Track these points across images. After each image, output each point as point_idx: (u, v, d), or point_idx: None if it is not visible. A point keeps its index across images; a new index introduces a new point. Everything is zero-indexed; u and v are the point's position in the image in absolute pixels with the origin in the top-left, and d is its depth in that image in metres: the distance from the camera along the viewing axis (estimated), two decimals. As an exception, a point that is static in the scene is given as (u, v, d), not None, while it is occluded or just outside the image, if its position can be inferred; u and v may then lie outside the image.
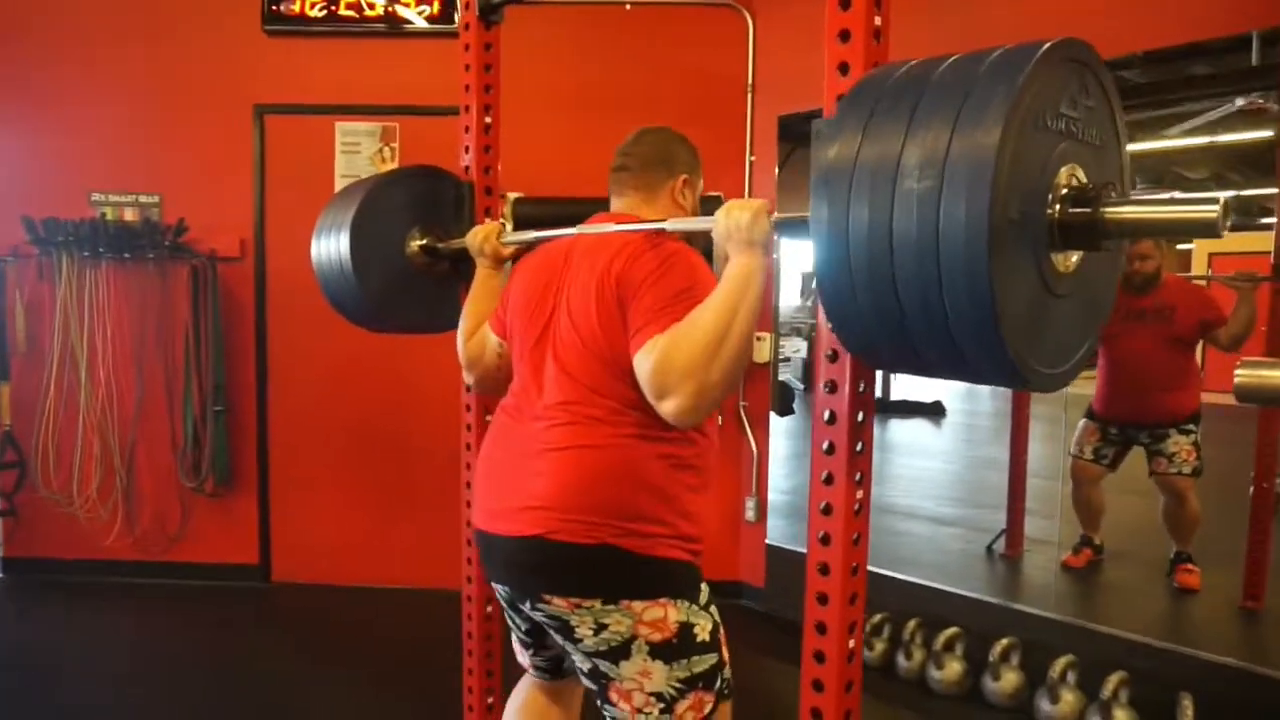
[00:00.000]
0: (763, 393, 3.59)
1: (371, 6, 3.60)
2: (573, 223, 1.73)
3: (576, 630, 1.53)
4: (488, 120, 2.17)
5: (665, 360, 1.39)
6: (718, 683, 1.58)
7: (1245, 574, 3.34)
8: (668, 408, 1.41)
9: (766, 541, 3.60)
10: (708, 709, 1.56)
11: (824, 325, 1.40)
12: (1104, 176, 1.13)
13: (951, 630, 2.90)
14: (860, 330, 1.16)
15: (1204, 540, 3.56)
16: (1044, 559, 3.94)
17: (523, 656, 1.83)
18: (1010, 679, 2.74)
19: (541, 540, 1.50)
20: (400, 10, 3.61)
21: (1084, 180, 1.10)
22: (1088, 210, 1.07)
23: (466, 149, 2.18)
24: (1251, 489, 4.07)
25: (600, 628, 1.51)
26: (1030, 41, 1.04)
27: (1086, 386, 3.82)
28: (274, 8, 3.60)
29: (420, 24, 3.63)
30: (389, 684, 3.01)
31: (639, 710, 1.54)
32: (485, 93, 2.16)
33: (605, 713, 1.61)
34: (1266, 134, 3.39)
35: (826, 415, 1.41)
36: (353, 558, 3.80)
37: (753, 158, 3.54)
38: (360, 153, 3.65)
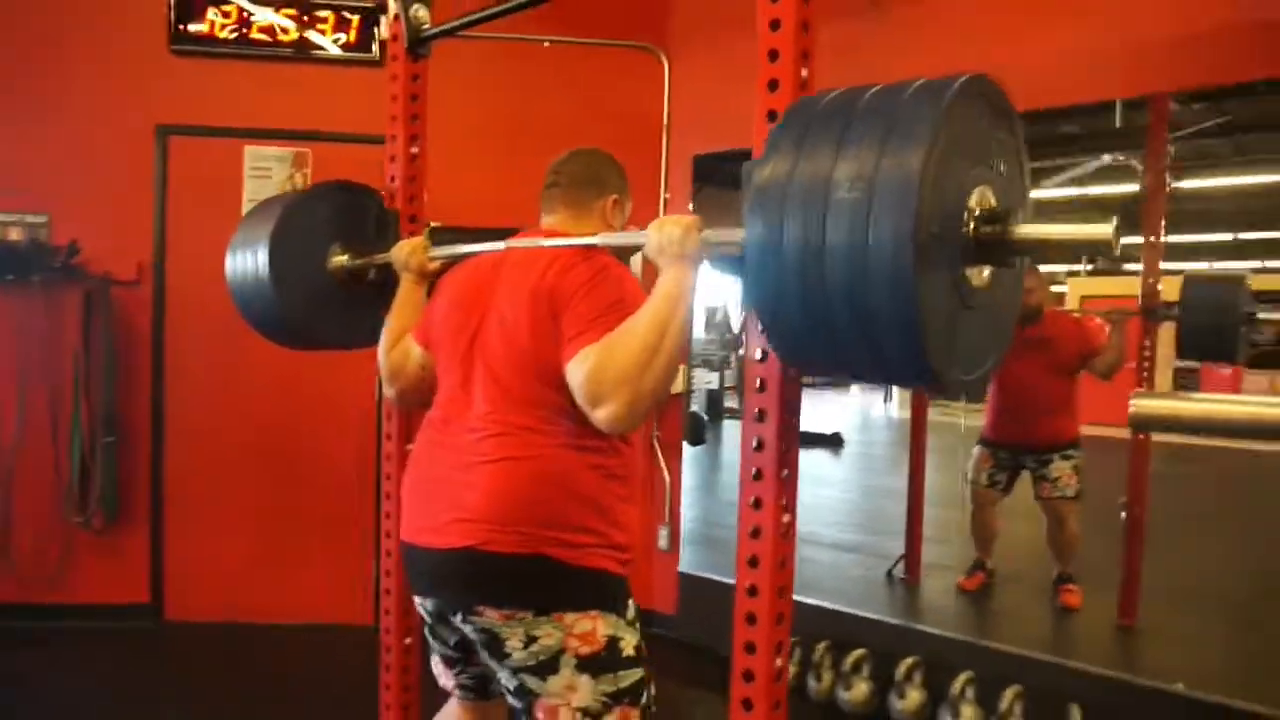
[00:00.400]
0: (675, 422, 3.66)
1: (285, 31, 3.55)
2: (490, 252, 1.78)
3: (506, 643, 1.53)
4: (414, 150, 2.18)
5: (599, 368, 1.43)
6: (643, 699, 1.59)
7: (1120, 594, 3.59)
8: (601, 414, 1.44)
9: (679, 569, 3.65)
10: None
11: (753, 355, 1.47)
12: (1010, 203, 1.23)
13: (858, 652, 3.00)
14: (792, 339, 1.22)
15: (1080, 561, 3.80)
16: (940, 583, 4.13)
17: (446, 678, 1.80)
18: (914, 697, 2.86)
19: (474, 551, 1.50)
20: (314, 37, 3.57)
21: (994, 202, 1.19)
22: (999, 228, 1.16)
23: (393, 178, 2.18)
24: (1123, 514, 4.39)
25: (530, 640, 1.52)
26: (950, 75, 1.14)
27: (977, 420, 4.05)
28: (181, 27, 3.51)
29: (335, 51, 3.60)
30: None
31: None
32: (412, 123, 2.18)
33: None
34: (1130, 188, 3.72)
35: (755, 442, 1.47)
36: (253, 593, 3.64)
37: (667, 195, 3.64)
38: (270, 178, 3.58)
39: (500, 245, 1.71)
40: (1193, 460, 3.70)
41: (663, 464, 3.66)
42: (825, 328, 1.14)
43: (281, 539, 3.66)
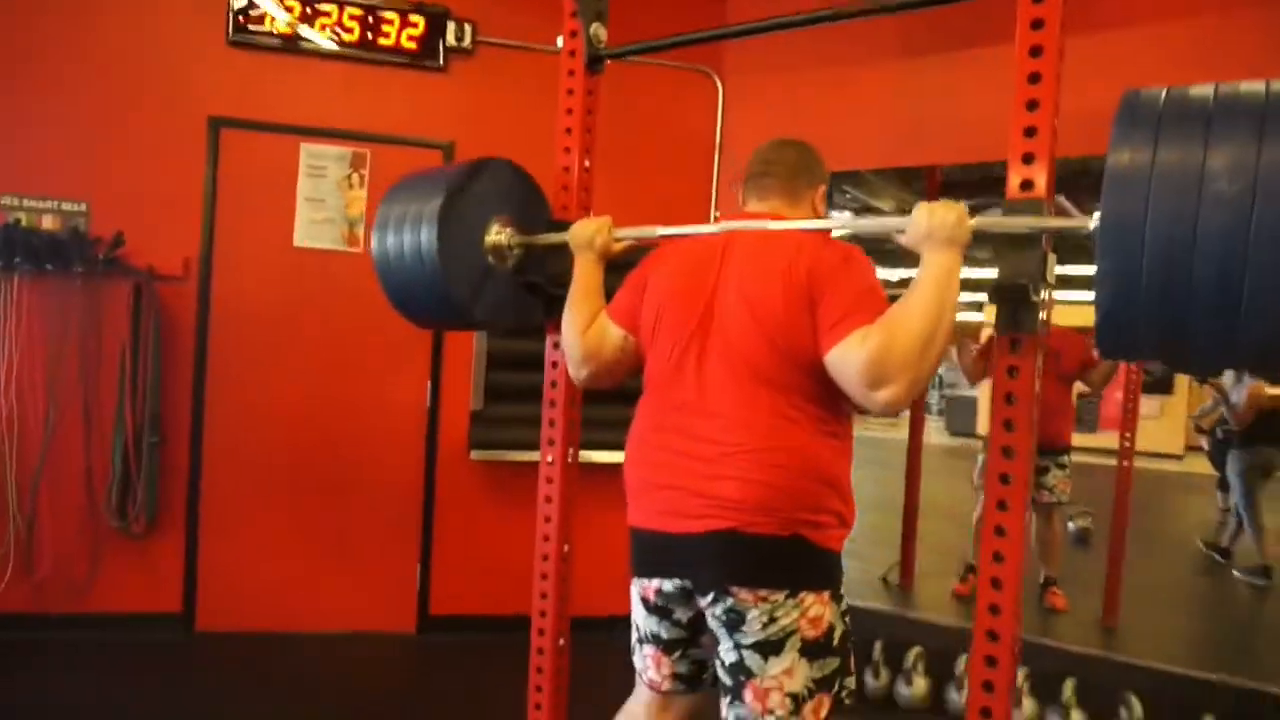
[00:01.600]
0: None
1: (349, 30, 3.50)
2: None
3: (748, 624, 1.55)
4: (587, 164, 2.25)
5: (884, 350, 1.43)
6: (835, 686, 1.62)
7: (1105, 597, 3.96)
8: (883, 396, 1.44)
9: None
10: (824, 712, 1.60)
11: (1001, 389, 1.62)
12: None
13: (915, 650, 3.20)
14: (1137, 323, 1.31)
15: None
16: (932, 587, 4.42)
17: (660, 668, 1.74)
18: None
19: (736, 533, 1.53)
20: (379, 40, 3.54)
21: None
22: None
23: (565, 188, 2.23)
24: (1070, 524, 4.78)
25: (771, 621, 1.55)
26: None
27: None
28: (241, 18, 3.41)
29: (397, 55, 3.56)
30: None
31: (769, 710, 1.57)
32: (586, 135, 2.25)
33: (731, 712, 1.61)
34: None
35: (1000, 476, 1.62)
36: (288, 601, 3.54)
37: (718, 213, 3.78)
38: (327, 177, 3.51)
39: (715, 228, 1.75)
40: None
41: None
42: (1181, 312, 1.24)
43: (320, 545, 3.57)
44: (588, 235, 1.92)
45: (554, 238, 2.08)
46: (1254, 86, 1.27)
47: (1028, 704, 2.99)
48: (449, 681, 3.29)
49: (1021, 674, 3.00)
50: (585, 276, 1.91)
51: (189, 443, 3.45)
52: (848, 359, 1.47)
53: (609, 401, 3.52)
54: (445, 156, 3.57)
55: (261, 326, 3.50)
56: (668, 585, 1.65)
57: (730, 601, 1.56)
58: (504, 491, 3.67)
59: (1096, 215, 1.35)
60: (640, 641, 1.76)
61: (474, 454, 3.54)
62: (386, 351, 3.57)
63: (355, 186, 3.53)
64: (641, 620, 1.74)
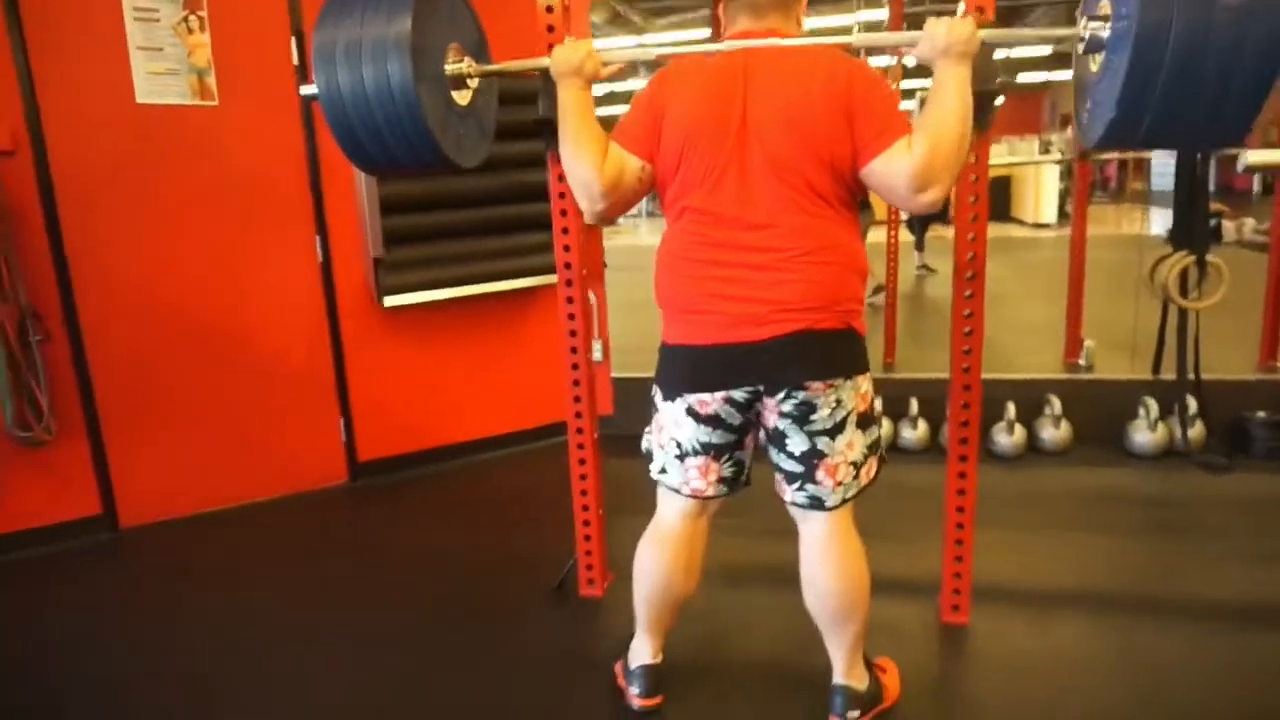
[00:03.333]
0: (597, 251, 4.05)
1: None
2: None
3: (818, 411, 1.69)
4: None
5: (932, 155, 1.55)
6: (880, 449, 1.86)
7: (885, 341, 5.01)
8: (929, 196, 1.57)
9: (613, 375, 4.20)
10: (874, 471, 1.83)
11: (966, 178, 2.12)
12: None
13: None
14: (1144, 108, 1.55)
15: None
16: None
17: (708, 475, 1.83)
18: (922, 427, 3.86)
19: (808, 332, 1.65)
20: None
21: None
22: None
23: (549, 9, 2.22)
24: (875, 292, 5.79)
25: (837, 404, 1.70)
26: None
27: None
28: None
29: None
30: (292, 600, 2.75)
31: (840, 483, 1.76)
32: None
33: (802, 494, 1.78)
34: None
35: (969, 256, 2.17)
36: (213, 479, 3.44)
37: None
38: (160, 21, 3.09)
39: (726, 46, 1.74)
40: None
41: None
42: (1184, 101, 1.50)
43: (233, 415, 3.45)
44: (575, 61, 1.76)
45: (529, 64, 1.96)
46: None
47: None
48: (393, 520, 3.38)
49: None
50: (580, 105, 1.77)
51: (67, 334, 3.11)
52: (895, 165, 1.59)
53: (510, 231, 3.70)
54: (292, -6, 3.29)
55: (119, 197, 3.15)
56: (737, 394, 1.72)
57: (802, 395, 1.68)
58: (414, 332, 3.75)
59: (1084, 21, 1.70)
60: (683, 456, 1.83)
61: (386, 300, 3.54)
62: (263, 209, 3.39)
63: (196, 31, 3.16)
64: (689, 434, 1.80)
